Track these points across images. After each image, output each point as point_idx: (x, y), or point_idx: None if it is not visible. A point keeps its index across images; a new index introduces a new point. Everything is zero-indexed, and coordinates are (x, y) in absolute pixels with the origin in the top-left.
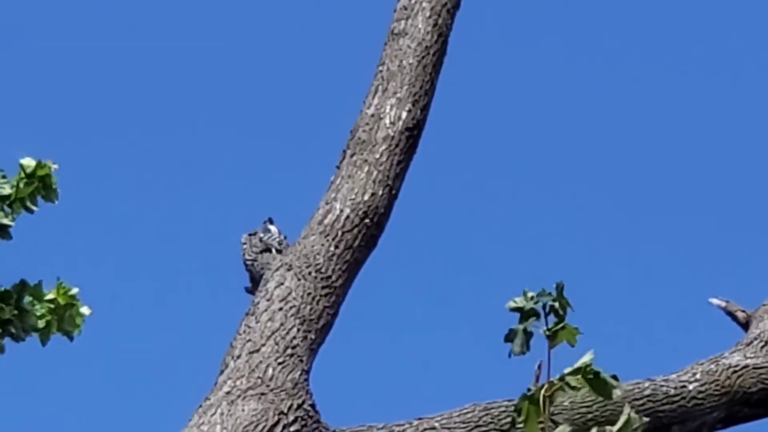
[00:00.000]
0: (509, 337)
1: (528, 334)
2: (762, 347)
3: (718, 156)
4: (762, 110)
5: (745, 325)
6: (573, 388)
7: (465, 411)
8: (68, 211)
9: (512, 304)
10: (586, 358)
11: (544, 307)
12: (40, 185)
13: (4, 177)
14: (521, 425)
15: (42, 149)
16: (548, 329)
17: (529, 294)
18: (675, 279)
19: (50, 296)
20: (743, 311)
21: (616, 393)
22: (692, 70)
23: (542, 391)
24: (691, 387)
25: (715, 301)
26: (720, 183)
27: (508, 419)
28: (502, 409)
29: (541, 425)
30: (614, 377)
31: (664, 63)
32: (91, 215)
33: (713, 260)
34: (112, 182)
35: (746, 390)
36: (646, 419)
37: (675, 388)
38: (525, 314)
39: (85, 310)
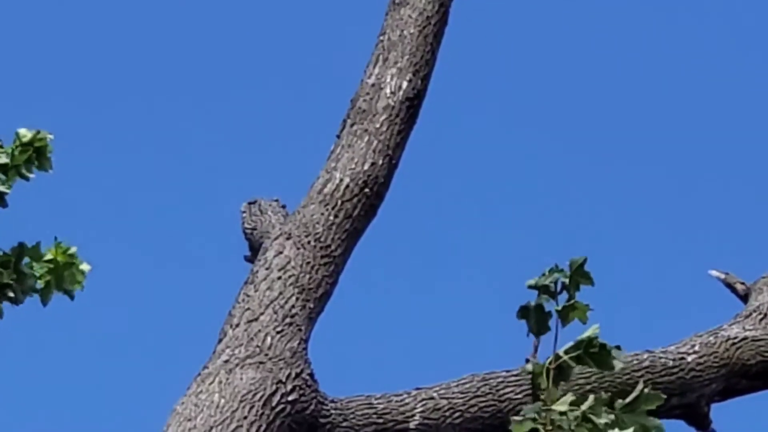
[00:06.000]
0: (522, 314)
1: (543, 313)
2: (761, 320)
3: (719, 126)
4: (758, 80)
5: (744, 298)
6: (575, 361)
7: (463, 381)
8: (66, 178)
9: (531, 282)
10: (589, 332)
11: (556, 284)
12: (34, 154)
13: (1, 147)
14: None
15: (41, 117)
16: (558, 307)
17: (547, 272)
18: (674, 250)
19: (49, 256)
20: (743, 283)
21: (618, 365)
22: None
23: (547, 364)
24: (689, 359)
25: (714, 272)
26: (720, 154)
27: (507, 390)
28: (500, 379)
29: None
30: (617, 347)
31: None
32: (89, 183)
33: (713, 232)
34: (109, 149)
35: (745, 362)
36: (663, 396)
37: (673, 359)
38: (539, 292)
39: (85, 266)
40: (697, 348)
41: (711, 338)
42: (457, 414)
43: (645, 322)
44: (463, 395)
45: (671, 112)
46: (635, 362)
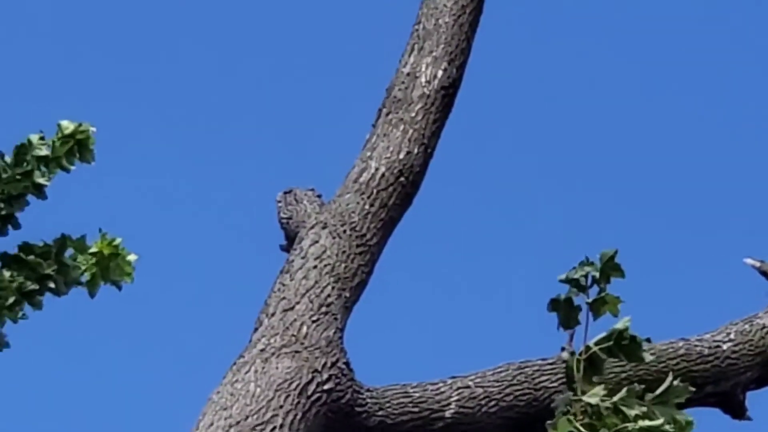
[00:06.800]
0: (552, 307)
1: (572, 307)
2: None
3: (752, 112)
4: None
5: None
6: (606, 353)
7: (499, 370)
8: (106, 170)
9: (562, 277)
10: (620, 324)
11: (586, 277)
12: (76, 146)
13: (42, 139)
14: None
15: (82, 110)
16: (589, 301)
17: (578, 266)
18: (710, 239)
19: (94, 248)
20: None
21: (647, 357)
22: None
23: (578, 356)
24: (725, 347)
25: (749, 261)
26: (754, 139)
27: (543, 378)
28: (536, 368)
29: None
30: (647, 340)
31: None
32: (127, 173)
33: (748, 220)
34: (148, 140)
35: None
36: (692, 389)
37: (709, 347)
38: (570, 286)
39: (131, 257)
40: (732, 336)
41: (746, 326)
42: (492, 402)
43: (680, 310)
44: (498, 384)
45: (703, 100)
46: (671, 350)
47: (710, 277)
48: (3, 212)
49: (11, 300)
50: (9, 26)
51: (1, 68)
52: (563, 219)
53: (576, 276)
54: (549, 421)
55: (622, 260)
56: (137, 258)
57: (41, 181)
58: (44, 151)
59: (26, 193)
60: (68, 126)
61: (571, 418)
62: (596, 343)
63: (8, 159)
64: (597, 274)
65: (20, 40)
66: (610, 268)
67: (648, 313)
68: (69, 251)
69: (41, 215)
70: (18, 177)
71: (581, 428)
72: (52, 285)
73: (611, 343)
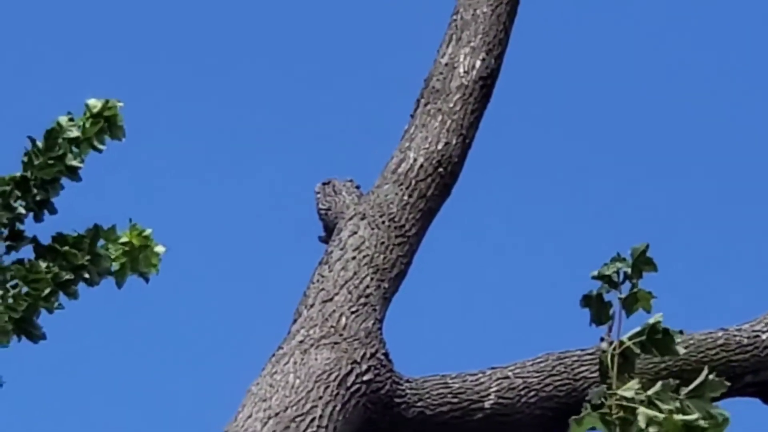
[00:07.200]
0: (585, 303)
1: (603, 303)
2: None
3: None
4: None
5: None
6: (639, 348)
7: (539, 360)
8: (138, 149)
9: (594, 273)
10: (653, 319)
11: (618, 273)
12: (106, 124)
13: (71, 120)
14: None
15: (111, 87)
16: (622, 297)
17: (610, 261)
18: (747, 227)
19: (124, 239)
20: None
21: (680, 351)
22: None
23: (611, 349)
24: (764, 336)
25: None
26: None
27: (582, 368)
28: (575, 358)
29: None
30: (680, 332)
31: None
32: (163, 154)
33: None
34: (187, 129)
35: None
36: (727, 383)
37: (748, 337)
38: (602, 282)
39: (159, 249)
40: None
41: None
42: (532, 393)
43: (719, 300)
44: (538, 374)
45: (738, 89)
46: (709, 341)
47: (749, 267)
48: (38, 198)
49: (47, 291)
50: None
51: (24, 52)
52: (601, 205)
53: (608, 272)
54: (574, 416)
55: (657, 252)
56: (165, 250)
57: (74, 163)
58: (75, 133)
59: (60, 177)
60: (96, 104)
61: (602, 413)
62: (630, 338)
63: (39, 144)
64: (629, 270)
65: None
66: (641, 262)
67: (685, 304)
68: (101, 241)
69: (75, 199)
70: (51, 162)
71: (615, 422)
72: (86, 275)
73: (644, 337)
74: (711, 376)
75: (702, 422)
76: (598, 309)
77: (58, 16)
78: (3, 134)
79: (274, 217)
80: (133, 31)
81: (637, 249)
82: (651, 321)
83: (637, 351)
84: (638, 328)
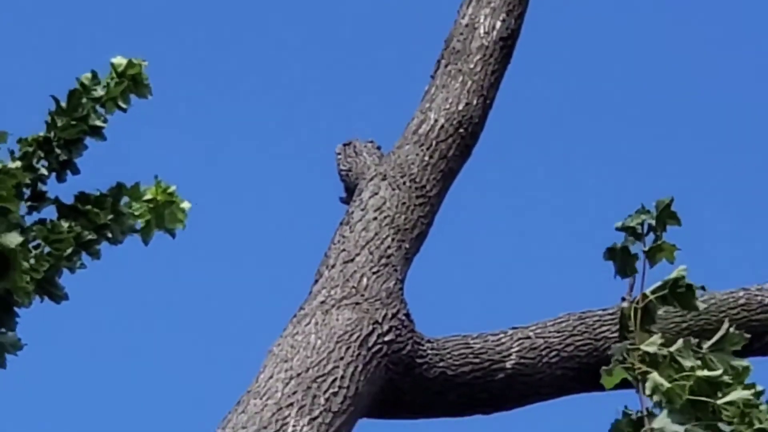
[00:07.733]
0: (609, 255)
1: (628, 255)
2: None
3: None
4: None
5: None
6: (661, 301)
7: (560, 320)
8: (162, 108)
9: (618, 224)
10: (676, 273)
11: (642, 225)
12: (131, 83)
13: (95, 78)
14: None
15: (134, 46)
16: (645, 249)
17: (634, 213)
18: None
19: (149, 195)
20: None
21: (700, 306)
22: None
23: (634, 304)
24: None
25: None
26: None
27: (603, 328)
28: (596, 318)
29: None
30: (702, 288)
31: None
32: (188, 123)
33: None
34: (208, 90)
35: None
36: (747, 335)
37: None
38: (626, 233)
39: (185, 204)
40: None
41: None
42: (553, 353)
43: (740, 259)
44: (559, 334)
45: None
46: (731, 300)
47: None
48: (61, 158)
49: (69, 251)
50: None
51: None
52: (622, 166)
53: (632, 224)
54: (605, 367)
55: (679, 208)
56: (191, 206)
57: (98, 123)
58: (99, 92)
59: (83, 138)
60: (121, 63)
61: (626, 367)
62: (652, 292)
63: (63, 104)
64: (653, 222)
65: None
66: (666, 216)
67: (707, 263)
68: (124, 199)
69: (100, 158)
70: (74, 122)
71: (638, 376)
72: (109, 234)
73: (666, 291)
74: (731, 329)
75: (726, 378)
76: (623, 261)
77: None
78: (26, 94)
79: (296, 178)
80: None
81: (662, 202)
82: (674, 275)
83: (658, 305)
84: (660, 282)
